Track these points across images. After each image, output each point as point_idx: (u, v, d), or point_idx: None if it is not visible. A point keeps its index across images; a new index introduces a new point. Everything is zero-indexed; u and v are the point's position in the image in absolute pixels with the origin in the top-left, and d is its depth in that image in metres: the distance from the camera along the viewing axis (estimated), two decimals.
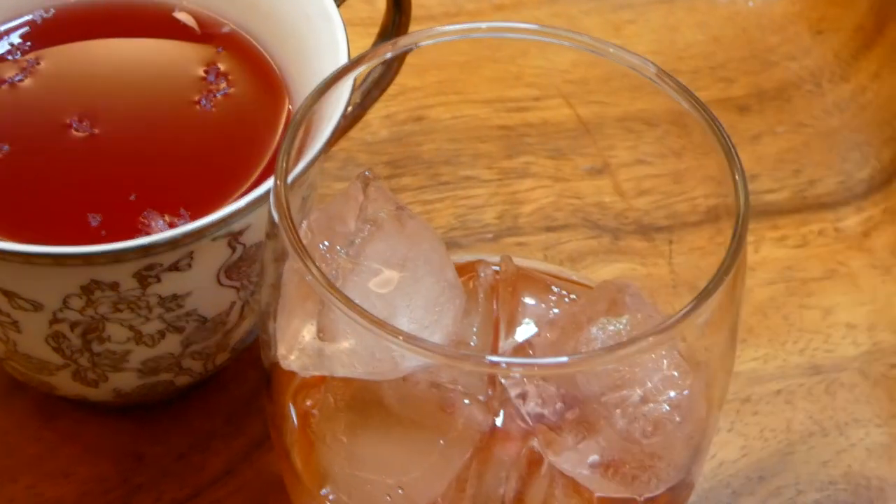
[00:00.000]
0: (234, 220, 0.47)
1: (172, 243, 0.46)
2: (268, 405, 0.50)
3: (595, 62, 0.68)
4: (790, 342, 0.60)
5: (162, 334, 0.50)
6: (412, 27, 0.60)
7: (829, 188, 0.66)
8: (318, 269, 0.43)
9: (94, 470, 0.55)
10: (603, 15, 0.76)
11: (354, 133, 0.60)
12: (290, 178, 0.46)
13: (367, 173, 0.51)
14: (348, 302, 0.42)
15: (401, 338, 0.42)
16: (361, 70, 0.48)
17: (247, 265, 0.50)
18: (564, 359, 0.43)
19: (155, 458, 0.56)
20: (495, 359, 0.45)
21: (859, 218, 0.65)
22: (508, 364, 0.44)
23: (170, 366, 0.52)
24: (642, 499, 0.48)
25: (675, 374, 0.47)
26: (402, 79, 0.69)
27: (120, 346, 0.50)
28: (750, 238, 0.64)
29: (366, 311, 0.42)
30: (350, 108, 0.55)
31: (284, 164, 0.45)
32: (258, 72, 0.55)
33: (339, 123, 0.48)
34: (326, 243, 0.48)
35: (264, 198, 0.47)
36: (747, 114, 0.69)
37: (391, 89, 0.69)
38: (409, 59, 0.62)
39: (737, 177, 0.45)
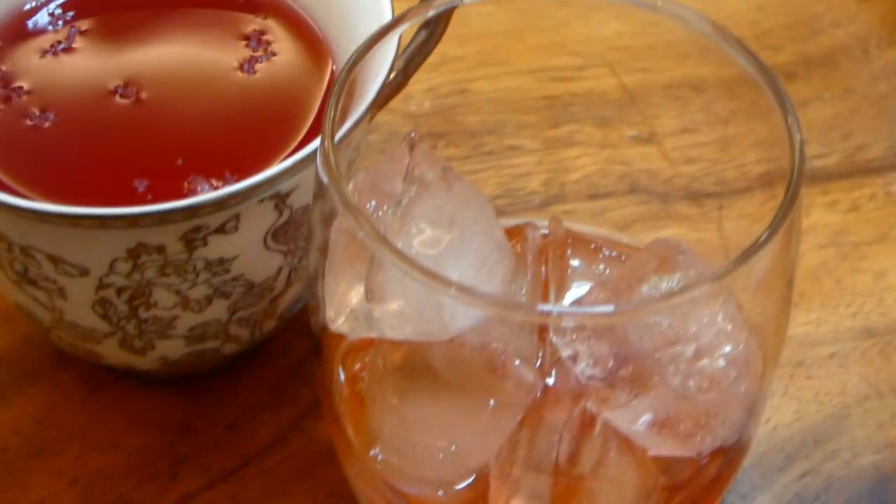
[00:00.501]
0: (280, 181, 0.47)
1: (218, 204, 0.46)
2: (317, 369, 0.50)
3: (640, 31, 0.67)
4: (843, 306, 0.59)
5: (209, 300, 0.50)
6: (458, 9, 0.59)
7: (878, 153, 0.65)
8: (369, 222, 0.42)
9: (140, 441, 0.55)
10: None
11: (397, 105, 0.60)
12: (336, 138, 0.46)
13: (412, 135, 0.50)
14: (399, 254, 0.42)
15: (453, 288, 0.41)
16: (405, 27, 0.47)
17: (294, 229, 0.50)
18: (610, 308, 0.42)
19: (202, 429, 0.55)
20: (546, 308, 0.44)
21: None
22: (559, 313, 0.43)
23: (217, 333, 0.52)
24: (697, 458, 0.48)
25: (731, 328, 0.46)
26: (445, 48, 0.68)
27: (167, 312, 0.50)
28: None
29: (417, 263, 0.41)
30: (394, 74, 0.55)
31: (331, 122, 0.44)
32: (302, 37, 0.55)
33: (384, 83, 0.48)
34: (373, 203, 0.48)
35: (311, 158, 0.47)
36: (794, 81, 0.68)
37: (433, 59, 0.68)
38: (450, 30, 0.62)
39: (790, 122, 0.44)
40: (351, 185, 0.48)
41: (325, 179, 0.45)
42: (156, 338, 0.51)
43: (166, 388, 0.56)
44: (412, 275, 0.42)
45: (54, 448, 0.55)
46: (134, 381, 0.56)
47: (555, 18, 0.68)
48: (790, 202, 0.42)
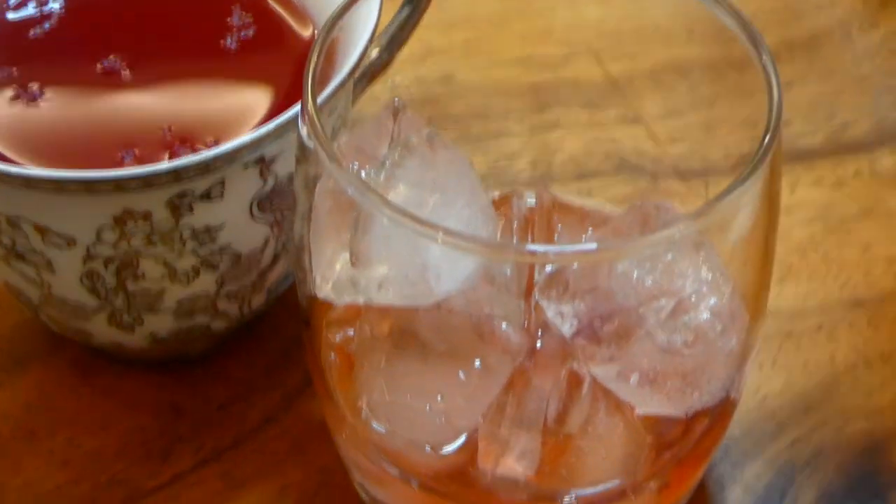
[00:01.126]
0: (264, 144, 0.47)
1: (203, 167, 0.46)
2: (306, 339, 0.50)
3: (625, 14, 0.68)
4: (830, 278, 0.60)
5: (196, 271, 0.50)
6: None
7: (862, 131, 0.65)
8: (353, 172, 0.42)
9: (133, 422, 0.55)
10: None
11: (383, 94, 0.60)
12: (319, 100, 0.46)
13: (396, 101, 0.51)
14: (384, 201, 0.42)
15: (440, 233, 0.41)
16: None
17: (279, 199, 0.50)
18: (593, 245, 0.42)
19: (194, 410, 0.55)
20: (533, 247, 0.45)
21: (894, 159, 0.64)
22: (544, 252, 0.44)
23: (205, 307, 0.52)
24: (685, 416, 0.48)
25: (714, 281, 0.46)
26: (430, 37, 0.69)
27: (154, 285, 0.50)
28: (785, 180, 0.63)
29: (403, 209, 0.42)
30: (378, 51, 0.55)
31: (310, 82, 0.45)
32: (284, 9, 0.55)
33: (367, 47, 0.48)
34: (356, 164, 0.48)
35: (294, 122, 0.47)
36: (778, 63, 0.67)
37: (419, 50, 0.69)
38: (435, 16, 0.62)
39: (766, 62, 0.44)
40: (334, 147, 0.48)
41: (307, 141, 0.45)
42: (144, 312, 0.51)
43: (157, 372, 0.56)
44: (398, 221, 0.42)
45: (46, 431, 0.55)
46: (125, 366, 0.56)
47: (540, 3, 0.68)
48: (771, 137, 0.42)
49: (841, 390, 0.56)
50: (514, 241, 0.48)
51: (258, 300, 0.53)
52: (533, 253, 0.44)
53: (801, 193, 0.63)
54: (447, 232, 0.41)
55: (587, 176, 0.62)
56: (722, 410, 0.49)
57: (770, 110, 0.44)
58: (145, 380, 0.56)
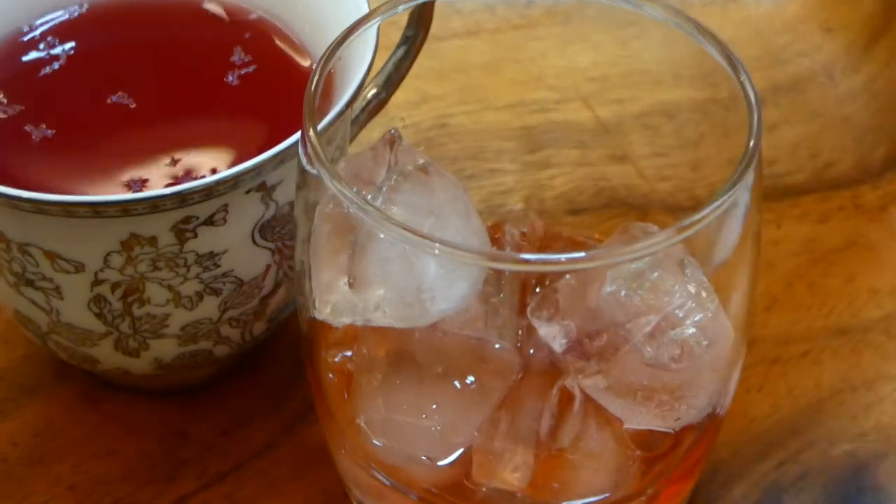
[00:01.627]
0: (266, 170, 0.49)
1: (207, 192, 0.48)
2: (307, 362, 0.51)
3: (614, 61, 0.70)
4: (815, 308, 0.61)
5: (200, 296, 0.52)
6: (434, 42, 0.61)
7: (845, 169, 0.67)
8: (351, 190, 0.44)
9: (138, 448, 0.57)
10: (614, 30, 0.78)
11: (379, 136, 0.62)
12: (318, 127, 0.48)
13: (392, 132, 0.53)
14: (384, 215, 0.44)
15: (437, 244, 0.43)
16: (379, 21, 0.49)
17: (280, 226, 0.52)
18: (582, 254, 0.44)
19: (198, 436, 0.57)
20: (526, 256, 0.46)
21: (877, 194, 0.66)
22: (537, 260, 0.45)
23: (208, 332, 0.53)
24: (672, 431, 0.49)
25: (700, 296, 0.48)
26: (425, 86, 0.71)
27: (159, 310, 0.52)
28: (771, 216, 0.66)
29: (402, 222, 0.43)
30: (375, 91, 0.58)
31: (311, 107, 0.47)
32: (285, 52, 0.57)
33: (365, 75, 0.50)
34: (353, 190, 0.50)
35: (295, 148, 0.49)
36: (763, 106, 0.70)
37: (414, 98, 0.71)
38: (429, 64, 0.64)
39: (743, 81, 0.46)
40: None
41: (307, 166, 0.47)
42: (149, 337, 0.53)
43: (162, 400, 0.58)
44: (396, 234, 0.43)
45: (53, 457, 0.57)
46: (130, 394, 0.58)
47: (532, 51, 0.71)
48: (755, 141, 0.44)
49: (826, 414, 0.58)
50: (506, 283, 0.50)
51: (259, 327, 0.55)
52: (526, 261, 0.45)
53: (787, 228, 0.65)
54: (444, 242, 0.43)
55: (578, 211, 0.64)
56: (708, 426, 0.50)
57: (751, 121, 0.45)
58: (150, 407, 0.58)
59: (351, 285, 0.49)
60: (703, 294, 0.48)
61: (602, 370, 0.48)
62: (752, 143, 0.45)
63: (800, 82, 0.72)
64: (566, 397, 0.49)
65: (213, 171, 0.52)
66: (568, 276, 0.50)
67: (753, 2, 0.77)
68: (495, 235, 0.54)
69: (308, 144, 0.46)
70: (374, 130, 0.61)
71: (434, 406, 0.49)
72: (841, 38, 0.74)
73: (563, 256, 0.43)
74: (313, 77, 0.47)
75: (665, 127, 0.66)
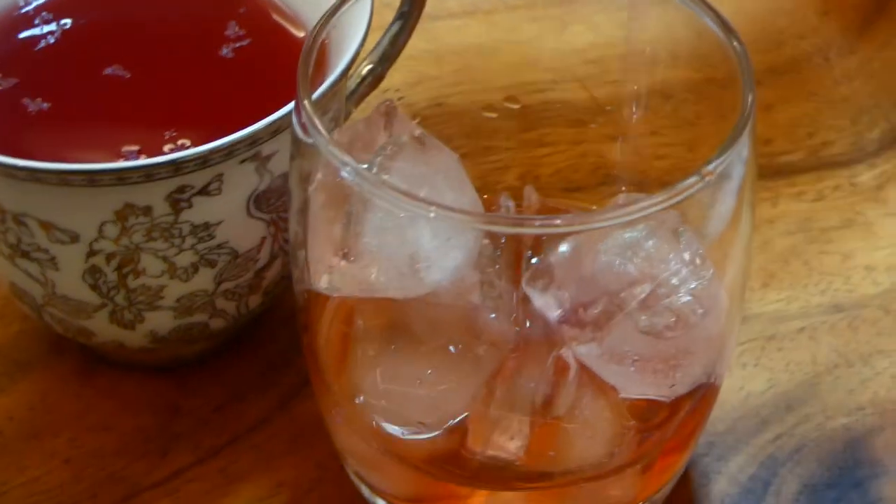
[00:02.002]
0: (260, 140, 0.49)
1: (202, 160, 0.48)
2: (302, 335, 0.51)
3: (611, 42, 0.70)
4: (811, 284, 0.61)
5: (195, 268, 0.52)
6: (430, 22, 0.61)
7: (842, 148, 0.67)
8: (348, 156, 0.44)
9: (133, 422, 0.57)
10: (613, 12, 0.78)
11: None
12: (314, 96, 0.48)
13: (388, 103, 0.53)
14: (381, 179, 0.44)
15: (433, 207, 0.43)
16: None
17: (275, 197, 0.52)
18: (576, 215, 0.44)
19: (193, 410, 0.57)
20: (521, 217, 0.46)
21: (873, 173, 0.66)
22: (530, 221, 0.45)
23: (204, 305, 0.53)
24: (667, 400, 0.49)
25: (696, 263, 0.48)
26: (421, 67, 0.71)
27: (154, 281, 0.52)
28: (767, 195, 0.66)
29: (400, 187, 0.43)
30: (370, 67, 0.57)
31: (305, 76, 0.47)
32: (282, 25, 0.57)
33: (360, 46, 0.50)
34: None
35: (289, 118, 0.49)
36: (760, 87, 0.70)
37: (410, 79, 0.71)
38: (425, 45, 0.64)
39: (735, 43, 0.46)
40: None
41: (301, 135, 0.47)
42: (145, 309, 0.53)
43: (157, 375, 0.58)
44: (392, 199, 0.43)
45: (49, 431, 0.56)
46: (125, 369, 0.58)
47: (528, 32, 0.70)
48: (750, 109, 0.44)
49: (822, 389, 0.58)
50: (503, 251, 0.50)
51: (255, 300, 0.55)
52: (520, 222, 0.45)
53: (783, 206, 0.65)
54: (439, 206, 0.43)
55: (574, 189, 0.63)
56: (704, 395, 0.50)
57: (743, 79, 0.46)
58: (145, 382, 0.58)
59: (346, 255, 0.49)
60: (698, 262, 0.48)
61: (596, 338, 0.48)
62: (747, 102, 0.45)
63: (796, 64, 0.72)
64: (562, 367, 0.49)
65: (208, 142, 0.51)
66: (563, 246, 0.50)
67: None
68: (491, 208, 0.54)
69: (303, 112, 0.46)
70: (370, 109, 0.61)
71: (429, 375, 0.49)
72: (837, 21, 0.74)
73: (557, 219, 0.43)
74: (307, 44, 0.47)
75: (662, 107, 0.65)
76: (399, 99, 0.68)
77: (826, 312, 0.60)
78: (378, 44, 0.58)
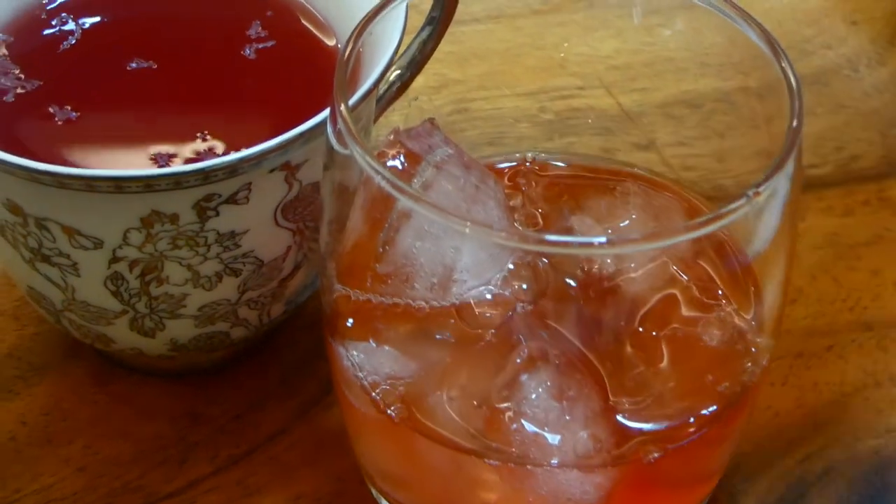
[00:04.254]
0: (291, 149, 0.48)
1: (231, 169, 0.47)
2: (328, 346, 0.50)
3: (638, 48, 0.69)
4: (840, 301, 0.60)
5: (219, 276, 0.51)
6: (455, 27, 0.60)
7: (871, 162, 0.66)
8: (386, 167, 0.43)
9: (150, 429, 0.56)
10: (644, 17, 0.77)
11: (400, 119, 0.61)
12: (350, 102, 0.47)
13: (430, 119, 0.52)
14: (417, 193, 0.43)
15: (468, 223, 0.42)
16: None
17: (303, 206, 0.51)
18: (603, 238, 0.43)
19: (211, 418, 0.56)
20: (553, 237, 0.45)
21: None
22: (557, 241, 0.44)
23: (226, 314, 0.52)
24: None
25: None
26: (445, 70, 0.70)
27: (177, 289, 0.51)
28: None
29: (435, 202, 0.43)
30: (399, 72, 0.56)
31: (342, 85, 0.46)
32: (310, 30, 0.56)
33: (395, 52, 0.49)
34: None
35: (321, 128, 0.48)
36: None
37: (434, 83, 0.70)
38: (450, 49, 0.63)
39: (784, 67, 0.45)
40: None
41: (336, 145, 0.46)
42: (166, 317, 0.52)
43: (175, 381, 0.57)
44: (429, 212, 0.42)
45: (63, 438, 0.55)
46: (142, 375, 0.57)
47: (554, 37, 0.69)
48: (791, 144, 0.43)
49: (851, 409, 0.57)
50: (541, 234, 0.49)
51: (277, 310, 0.54)
52: (552, 242, 0.44)
53: (811, 221, 0.64)
54: (474, 221, 0.42)
55: None
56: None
57: (793, 107, 0.45)
58: (162, 388, 0.57)
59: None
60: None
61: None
62: (793, 129, 0.44)
63: (824, 75, 0.71)
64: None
65: (236, 149, 0.50)
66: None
67: None
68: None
69: (339, 121, 0.45)
70: (394, 114, 0.60)
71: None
72: (866, 31, 0.73)
73: (595, 240, 0.42)
74: (344, 53, 0.46)
75: (690, 117, 0.65)
76: (421, 105, 0.67)
77: (855, 330, 0.59)
78: (407, 49, 0.57)
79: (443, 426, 0.46)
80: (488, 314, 0.48)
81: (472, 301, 0.48)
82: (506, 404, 0.46)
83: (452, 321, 0.48)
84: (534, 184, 0.54)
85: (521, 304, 0.47)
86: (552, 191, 0.54)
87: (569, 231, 0.51)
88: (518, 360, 0.46)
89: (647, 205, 0.51)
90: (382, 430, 0.48)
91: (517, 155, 0.57)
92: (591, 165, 0.57)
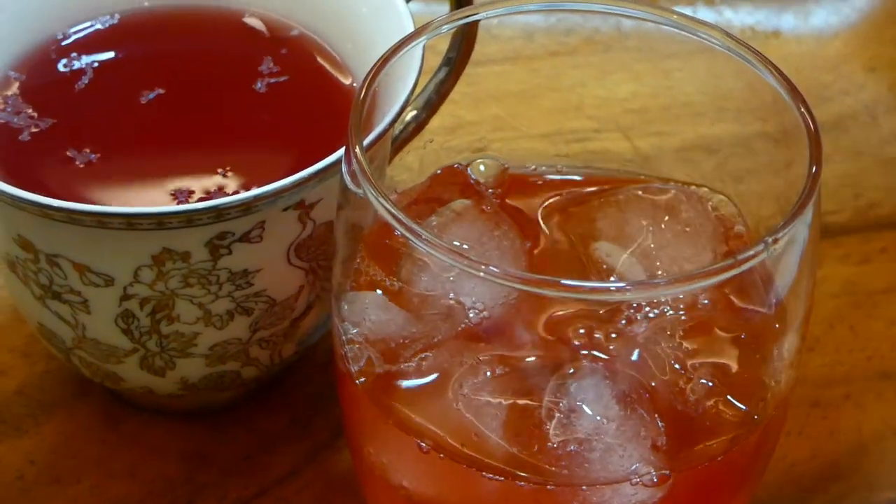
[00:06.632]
0: (305, 188, 0.47)
1: (245, 207, 0.47)
2: (340, 387, 0.50)
3: (654, 92, 0.69)
4: (857, 350, 0.60)
5: (231, 315, 0.50)
6: (471, 68, 0.60)
7: (889, 209, 0.66)
8: (400, 209, 0.43)
9: (158, 470, 0.55)
10: (656, 61, 0.76)
11: (414, 163, 0.61)
12: (365, 142, 0.47)
13: (456, 166, 0.52)
14: (431, 236, 0.42)
15: (482, 266, 0.42)
16: (425, 40, 0.48)
17: (317, 245, 0.50)
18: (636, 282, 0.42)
19: (220, 459, 0.55)
20: (568, 282, 0.44)
21: None
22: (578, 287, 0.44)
23: (237, 353, 0.52)
24: None
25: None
26: (461, 112, 0.70)
27: (188, 328, 0.50)
28: None
29: (451, 245, 0.42)
30: (415, 113, 0.56)
31: (357, 125, 0.45)
32: (325, 69, 0.56)
33: (410, 94, 0.49)
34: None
35: (336, 167, 0.47)
36: None
37: (449, 123, 0.70)
38: (465, 90, 0.63)
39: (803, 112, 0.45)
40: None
41: (350, 184, 0.45)
42: (177, 356, 0.51)
43: (184, 421, 0.56)
44: (443, 256, 0.42)
45: (71, 477, 0.55)
46: (151, 414, 0.57)
47: (571, 79, 0.69)
48: (810, 190, 0.43)
49: (868, 460, 0.56)
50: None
51: (289, 349, 0.53)
52: (569, 288, 0.44)
53: (828, 268, 0.63)
54: (488, 267, 0.41)
55: None
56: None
57: (811, 153, 0.44)
58: (172, 428, 0.56)
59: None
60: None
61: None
62: (812, 175, 0.43)
63: (842, 121, 0.70)
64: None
65: (249, 187, 0.50)
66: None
67: (795, 39, 0.76)
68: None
69: (354, 162, 0.44)
70: (409, 154, 0.59)
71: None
72: (884, 78, 0.73)
73: (612, 285, 0.42)
74: (360, 93, 0.45)
75: (706, 162, 0.64)
76: (430, 141, 0.66)
77: (872, 380, 0.59)
78: (423, 90, 0.56)
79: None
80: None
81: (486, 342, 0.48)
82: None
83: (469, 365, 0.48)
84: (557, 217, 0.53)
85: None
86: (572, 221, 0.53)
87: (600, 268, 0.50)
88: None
89: (678, 231, 0.51)
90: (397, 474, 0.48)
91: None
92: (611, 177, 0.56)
